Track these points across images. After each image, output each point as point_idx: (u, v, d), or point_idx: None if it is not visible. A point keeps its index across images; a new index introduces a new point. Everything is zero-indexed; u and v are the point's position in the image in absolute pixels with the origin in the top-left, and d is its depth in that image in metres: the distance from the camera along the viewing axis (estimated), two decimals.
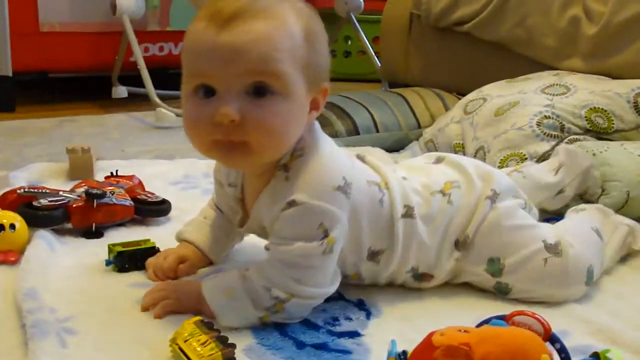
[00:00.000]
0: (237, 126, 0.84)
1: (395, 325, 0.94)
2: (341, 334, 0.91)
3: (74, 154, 1.55)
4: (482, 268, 1.01)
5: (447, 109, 1.97)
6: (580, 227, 1.09)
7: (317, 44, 0.89)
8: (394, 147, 1.92)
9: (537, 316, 0.76)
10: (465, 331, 0.68)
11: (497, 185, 1.03)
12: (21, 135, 2.07)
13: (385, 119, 1.94)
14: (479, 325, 0.77)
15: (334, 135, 1.86)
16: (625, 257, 1.17)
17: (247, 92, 0.84)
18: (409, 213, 0.97)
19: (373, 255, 0.97)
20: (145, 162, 1.73)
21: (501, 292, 1.02)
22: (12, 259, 1.09)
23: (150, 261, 1.06)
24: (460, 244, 1.01)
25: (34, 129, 2.16)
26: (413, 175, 1.02)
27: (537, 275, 1.00)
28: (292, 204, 0.87)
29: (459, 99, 1.93)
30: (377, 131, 1.93)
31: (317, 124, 0.94)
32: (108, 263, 1.08)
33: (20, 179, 1.48)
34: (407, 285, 1.03)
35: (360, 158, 1.03)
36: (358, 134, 1.90)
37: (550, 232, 1.03)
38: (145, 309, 0.93)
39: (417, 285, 1.03)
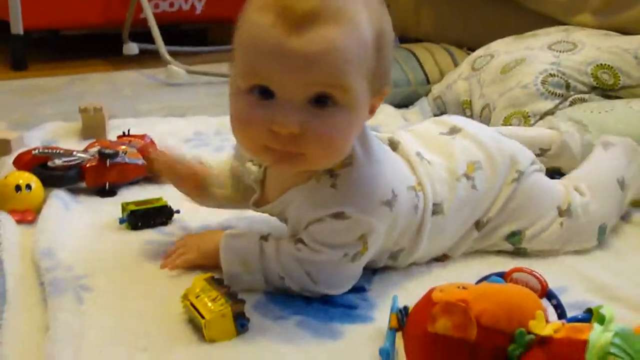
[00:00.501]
0: (296, 138, 0.79)
1: (400, 280, 0.96)
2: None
3: (87, 113, 1.57)
4: (502, 240, 1.03)
5: (456, 64, 1.97)
6: (605, 177, 1.09)
7: (385, 49, 0.84)
8: (403, 103, 1.92)
9: (534, 273, 0.78)
10: (464, 288, 0.71)
11: (520, 165, 1.02)
12: (33, 94, 2.09)
13: (394, 75, 1.94)
14: (478, 282, 0.80)
15: None
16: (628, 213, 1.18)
17: (310, 102, 0.79)
18: (437, 210, 0.96)
19: (394, 254, 0.97)
20: (156, 120, 1.76)
21: (518, 255, 1.04)
22: (29, 218, 1.13)
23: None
24: (480, 225, 1.02)
25: (46, 88, 2.19)
26: (434, 156, 1.00)
27: (554, 238, 1.03)
28: (340, 215, 0.85)
29: (469, 54, 1.93)
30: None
31: (366, 126, 0.89)
32: (121, 221, 1.12)
33: (34, 139, 1.51)
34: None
35: (393, 144, 0.99)
36: None
37: (562, 192, 1.05)
38: (172, 266, 0.95)
39: (427, 267, 1.02)
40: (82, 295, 0.89)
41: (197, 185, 1.04)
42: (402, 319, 0.75)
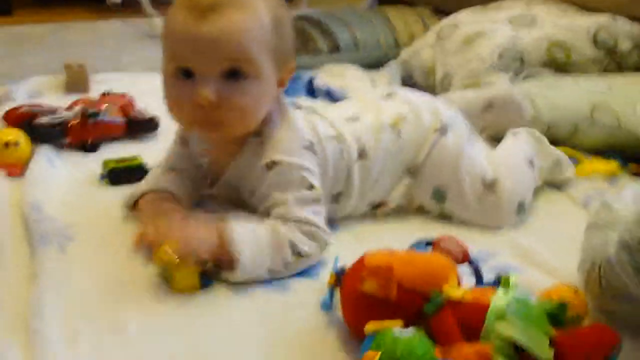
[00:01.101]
0: (214, 107, 0.95)
1: (349, 241, 1.09)
2: None
3: (71, 69, 1.67)
4: (429, 196, 1.16)
5: (427, 28, 2.06)
6: (515, 158, 1.22)
7: (283, 30, 1.00)
8: (373, 65, 2.02)
9: (456, 240, 0.91)
10: (391, 254, 0.84)
11: (444, 117, 1.17)
12: (19, 43, 2.17)
13: (365, 38, 2.04)
14: (410, 247, 0.93)
15: (316, 52, 1.96)
16: (557, 185, 1.31)
17: (223, 76, 0.95)
18: (363, 155, 1.10)
19: (335, 198, 1.11)
20: (138, 76, 1.84)
21: (445, 218, 1.16)
22: (17, 172, 1.24)
23: (143, 204, 1.07)
24: (410, 171, 1.15)
25: (31, 36, 2.26)
26: (364, 113, 1.15)
27: (473, 207, 1.15)
28: (272, 164, 1.00)
29: (439, 20, 2.03)
30: (357, 49, 2.03)
31: (281, 95, 1.06)
32: (102, 177, 1.23)
33: (21, 93, 1.60)
34: (362, 214, 1.16)
35: (313, 111, 1.14)
36: (339, 51, 2.00)
37: (488, 165, 1.17)
38: (164, 261, 0.92)
39: (372, 213, 1.16)
40: (66, 245, 1.01)
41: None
42: (339, 278, 0.88)
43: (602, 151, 1.43)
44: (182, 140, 1.13)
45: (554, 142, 1.42)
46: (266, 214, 1.02)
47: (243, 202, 1.08)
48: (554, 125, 1.42)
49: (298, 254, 0.97)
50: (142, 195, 1.08)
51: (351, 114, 1.15)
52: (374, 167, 1.12)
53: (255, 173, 1.02)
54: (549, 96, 1.45)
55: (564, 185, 1.31)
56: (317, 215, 1.01)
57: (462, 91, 1.42)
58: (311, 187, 1.02)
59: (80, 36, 2.30)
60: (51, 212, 1.09)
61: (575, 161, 1.38)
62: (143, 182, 1.12)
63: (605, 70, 1.66)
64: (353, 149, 1.10)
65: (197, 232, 0.95)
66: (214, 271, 0.94)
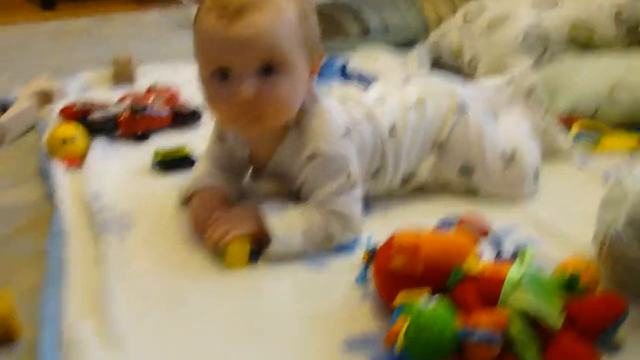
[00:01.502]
0: (252, 103, 1.01)
1: (380, 220, 1.18)
2: None
3: (118, 63, 1.78)
4: (456, 172, 1.25)
5: (454, 10, 2.13)
6: (524, 128, 1.32)
7: (310, 21, 1.06)
8: (402, 49, 2.10)
9: (478, 218, 1.00)
10: (418, 234, 0.93)
11: (459, 98, 1.26)
12: (65, 38, 2.29)
13: (394, 21, 2.12)
14: (435, 227, 1.02)
15: (345, 36, 2.04)
16: (579, 161, 1.38)
17: (258, 72, 1.01)
18: (393, 132, 1.19)
19: (373, 175, 1.20)
20: (179, 67, 1.93)
21: (470, 194, 1.25)
22: (75, 164, 1.35)
23: (197, 203, 1.15)
24: (435, 149, 1.24)
25: (75, 30, 2.38)
26: (388, 95, 1.24)
27: (498, 180, 1.24)
28: (314, 156, 1.08)
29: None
30: (387, 32, 2.11)
31: (314, 85, 1.12)
32: (153, 166, 1.34)
33: (73, 88, 1.73)
34: (397, 191, 1.25)
35: (344, 96, 1.21)
36: (369, 34, 2.08)
37: (506, 139, 1.26)
38: (214, 243, 1.05)
39: (404, 188, 1.25)
40: (125, 232, 1.12)
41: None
42: (372, 255, 0.97)
43: (623, 125, 1.50)
44: (220, 137, 1.19)
45: (576, 118, 1.50)
46: (305, 200, 1.11)
47: (286, 192, 1.16)
48: (575, 108, 1.49)
49: (330, 238, 1.08)
50: (193, 193, 1.16)
51: (378, 95, 1.24)
52: (403, 144, 1.20)
53: (297, 163, 1.09)
54: (569, 81, 1.52)
55: (584, 161, 1.38)
56: (353, 203, 1.11)
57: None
58: (349, 175, 1.10)
59: (122, 29, 2.41)
60: (110, 202, 1.20)
61: (598, 135, 1.45)
62: (191, 178, 1.20)
63: (629, 48, 1.71)
64: (384, 127, 1.18)
65: (239, 215, 1.08)
66: (258, 249, 1.05)
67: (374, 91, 1.27)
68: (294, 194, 1.15)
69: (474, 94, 1.31)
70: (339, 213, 1.09)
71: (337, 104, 1.15)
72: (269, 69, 1.01)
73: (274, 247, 1.05)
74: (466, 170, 1.24)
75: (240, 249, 1.04)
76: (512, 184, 1.24)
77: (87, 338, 0.89)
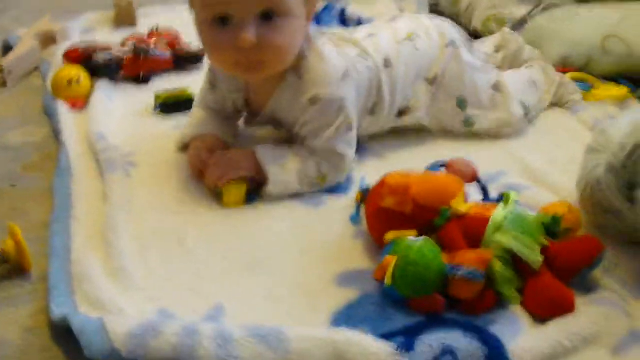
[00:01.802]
0: (255, 48, 1.02)
1: (374, 161, 1.23)
2: None
3: (120, 5, 1.80)
4: (453, 103, 1.29)
5: None
6: (519, 77, 1.39)
7: None
8: None
9: (466, 162, 1.04)
10: (408, 175, 0.98)
11: (449, 35, 1.31)
12: None
13: None
14: (425, 170, 1.06)
15: None
16: (570, 109, 1.42)
17: (259, 18, 1.01)
18: (388, 64, 1.23)
19: (371, 110, 1.23)
20: (181, 10, 1.95)
21: (467, 125, 1.31)
22: (79, 105, 1.39)
23: (192, 152, 1.17)
24: (431, 81, 1.28)
25: None
26: (379, 31, 1.27)
27: (488, 109, 1.30)
28: (315, 99, 1.10)
29: None
30: None
31: (310, 29, 1.13)
32: (155, 108, 1.38)
33: (75, 30, 1.75)
34: (392, 126, 1.29)
35: (335, 36, 1.24)
36: None
37: (494, 74, 1.33)
38: (213, 183, 1.10)
39: (400, 122, 1.28)
40: (130, 170, 1.17)
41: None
42: (364, 195, 1.02)
43: (615, 78, 1.53)
44: (213, 84, 1.22)
45: (568, 69, 1.53)
46: (302, 140, 1.15)
47: (281, 137, 1.21)
48: (567, 57, 1.53)
49: (323, 177, 1.12)
50: (191, 139, 1.19)
51: (369, 32, 1.27)
52: (398, 75, 1.23)
53: (298, 107, 1.11)
54: (563, 30, 1.55)
55: (576, 109, 1.41)
56: (347, 144, 1.15)
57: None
58: (347, 116, 1.14)
59: None
60: (114, 142, 1.24)
61: (589, 86, 1.49)
62: (185, 126, 1.24)
63: None
64: (378, 60, 1.21)
65: (236, 157, 1.11)
66: (256, 189, 1.10)
67: (363, 29, 1.31)
68: (289, 138, 1.19)
69: (456, 30, 1.36)
70: (332, 153, 1.13)
71: (332, 46, 1.17)
72: (269, 15, 1.02)
73: (270, 188, 1.10)
74: (462, 103, 1.29)
75: (237, 190, 1.09)
76: (501, 113, 1.31)
77: (94, 270, 0.94)
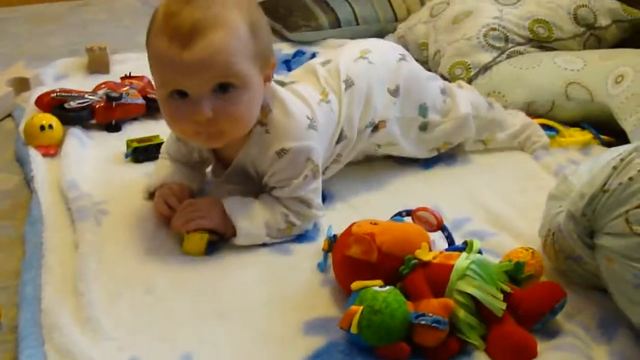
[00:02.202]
0: (212, 121, 1.04)
1: (342, 210, 1.25)
2: None
3: (93, 52, 1.82)
4: (416, 112, 1.35)
5: (422, 3, 2.19)
6: (473, 93, 1.49)
7: (261, 32, 1.07)
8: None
9: (432, 211, 1.07)
10: (375, 224, 1.00)
11: (399, 49, 1.40)
12: (40, 22, 2.31)
13: (365, 12, 2.17)
14: (391, 218, 1.09)
15: (318, 28, 2.10)
16: (534, 155, 1.46)
17: (214, 91, 1.03)
18: (349, 83, 1.26)
19: (339, 139, 1.25)
20: None
21: (423, 130, 1.37)
22: (52, 152, 1.41)
23: (157, 200, 1.19)
24: (393, 92, 1.32)
25: (51, 15, 2.40)
26: (334, 57, 1.31)
27: (439, 108, 1.38)
28: (282, 151, 1.12)
29: None
30: (357, 24, 2.16)
31: (273, 84, 1.16)
32: (127, 155, 1.40)
33: (49, 76, 1.76)
34: (368, 152, 1.34)
35: (294, 82, 1.26)
36: (340, 27, 2.14)
37: (440, 81, 1.44)
38: (178, 229, 1.11)
39: (374, 138, 1.31)
40: (101, 219, 1.18)
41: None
42: (332, 244, 1.04)
43: (578, 123, 1.58)
44: (179, 138, 1.22)
45: (534, 116, 1.58)
46: (270, 190, 1.17)
47: (249, 184, 1.21)
48: (532, 102, 1.58)
49: (290, 223, 1.14)
50: (157, 188, 1.21)
51: (324, 59, 1.32)
52: (360, 90, 1.27)
53: (266, 159, 1.13)
54: (527, 76, 1.60)
55: (539, 155, 1.45)
56: (314, 192, 1.17)
57: None
58: (313, 165, 1.16)
59: (98, 15, 2.44)
60: (86, 189, 1.26)
61: (555, 131, 1.53)
62: (152, 174, 1.26)
63: (586, 44, 1.79)
64: (336, 90, 1.24)
65: (203, 207, 1.13)
66: (218, 239, 1.12)
67: (318, 59, 1.35)
68: (256, 188, 1.20)
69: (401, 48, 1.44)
70: (300, 201, 1.15)
71: (295, 97, 1.19)
72: (225, 87, 1.04)
73: (239, 240, 1.11)
74: (423, 110, 1.35)
75: (199, 239, 1.10)
76: (454, 112, 1.38)
77: (64, 320, 0.95)
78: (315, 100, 1.21)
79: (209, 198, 1.18)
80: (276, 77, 1.22)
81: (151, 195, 1.22)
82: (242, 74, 1.05)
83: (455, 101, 1.40)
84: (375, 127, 1.30)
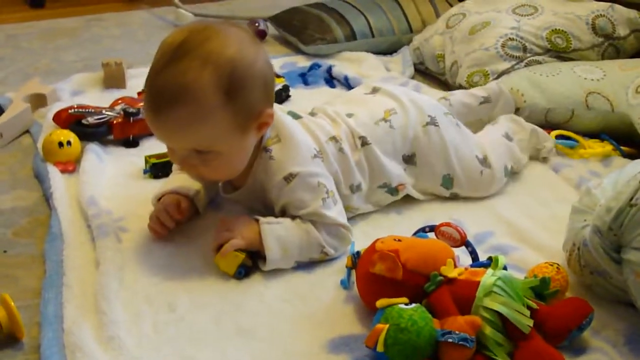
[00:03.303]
0: (199, 172, 1.10)
1: (363, 226, 1.24)
2: None
3: (109, 67, 1.82)
4: (439, 183, 1.30)
5: (437, 14, 2.18)
6: (493, 135, 1.41)
7: (244, 90, 1.04)
8: (388, 51, 2.15)
9: (455, 226, 1.06)
10: (399, 240, 0.99)
11: (428, 110, 1.31)
12: (54, 37, 2.32)
13: (380, 25, 2.17)
14: (415, 233, 1.08)
15: (333, 41, 2.10)
16: (554, 167, 1.45)
17: (192, 151, 1.07)
18: (365, 142, 1.24)
19: (356, 188, 1.23)
20: None
21: (456, 201, 1.31)
22: (70, 168, 1.40)
23: (151, 215, 1.18)
24: (407, 159, 1.28)
25: (64, 30, 2.40)
26: (357, 110, 1.28)
27: (475, 183, 1.32)
28: (290, 176, 1.11)
29: (450, 5, 2.15)
30: (373, 36, 2.15)
31: (280, 113, 1.15)
32: (145, 172, 1.39)
33: (65, 92, 1.76)
34: (388, 202, 1.29)
35: (312, 113, 1.28)
36: (355, 39, 2.13)
37: (476, 145, 1.33)
38: (216, 249, 1.09)
39: (396, 196, 1.29)
40: (121, 236, 1.18)
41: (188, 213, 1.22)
42: (355, 260, 1.03)
43: (597, 134, 1.57)
44: None
45: (553, 126, 1.57)
46: (295, 216, 1.14)
47: (261, 205, 1.20)
48: (552, 110, 1.57)
49: (324, 254, 1.12)
50: (164, 193, 1.20)
51: (347, 110, 1.28)
52: (377, 151, 1.24)
53: (274, 187, 1.12)
54: (547, 83, 1.59)
55: (559, 167, 1.44)
56: (340, 214, 1.15)
57: (460, 92, 1.58)
58: (328, 191, 1.14)
59: (112, 29, 2.44)
60: (105, 206, 1.25)
61: (575, 143, 1.52)
62: (163, 183, 1.25)
63: (604, 54, 1.78)
64: (351, 142, 1.22)
65: (236, 228, 1.11)
66: (249, 263, 1.10)
67: (343, 106, 1.30)
68: (270, 207, 1.18)
69: (436, 105, 1.36)
70: (332, 223, 1.13)
71: (304, 131, 1.18)
72: (202, 151, 1.07)
73: (267, 267, 1.09)
74: (447, 182, 1.30)
75: (233, 257, 1.08)
76: (488, 183, 1.33)
77: (87, 339, 0.94)
78: (324, 138, 1.20)
79: (244, 217, 1.14)
80: (292, 109, 1.23)
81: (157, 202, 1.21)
82: (215, 143, 1.06)
83: (494, 174, 1.32)
84: (394, 190, 1.28)
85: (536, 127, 1.48)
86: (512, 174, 1.39)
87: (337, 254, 1.14)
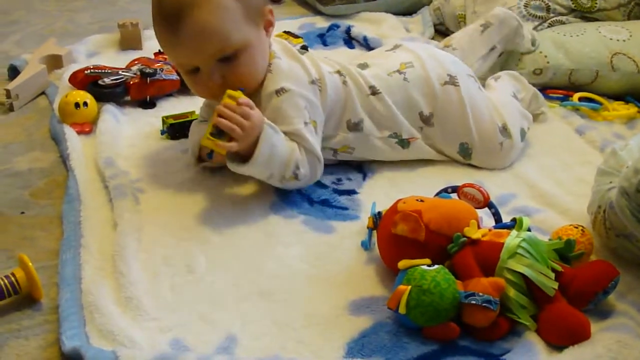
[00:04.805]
0: (224, 85, 1.12)
1: (384, 187, 1.22)
2: (342, 192, 1.20)
3: (125, 28, 1.79)
4: (455, 150, 1.28)
5: None
6: (503, 96, 1.36)
7: None
8: (407, 11, 2.12)
9: (478, 187, 1.03)
10: (421, 200, 0.97)
11: (449, 67, 1.28)
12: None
13: None
14: (436, 194, 1.06)
15: (352, 1, 2.06)
16: (579, 129, 1.41)
17: (219, 60, 1.11)
18: (374, 91, 1.23)
19: (354, 126, 1.23)
20: None
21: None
22: (87, 129, 1.39)
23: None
24: (423, 118, 1.26)
25: None
26: (373, 62, 1.28)
27: (495, 154, 1.28)
28: (281, 90, 1.15)
29: None
30: None
31: (287, 42, 1.22)
32: (162, 132, 1.38)
33: (81, 53, 1.74)
34: (398, 157, 1.27)
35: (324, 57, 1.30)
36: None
37: (495, 112, 1.29)
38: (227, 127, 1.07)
39: (406, 149, 1.26)
40: (139, 196, 1.17)
41: None
42: (376, 221, 1.02)
43: (622, 96, 1.53)
44: (210, 102, 1.25)
45: (578, 87, 1.53)
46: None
47: None
48: (575, 71, 1.53)
49: (295, 175, 1.14)
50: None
51: (361, 61, 1.29)
52: (388, 100, 1.23)
53: (265, 95, 1.16)
54: (571, 43, 1.55)
55: (582, 129, 1.41)
56: (318, 146, 1.16)
57: (458, 32, 1.56)
58: (310, 118, 1.16)
59: None
60: (123, 167, 1.24)
61: (599, 105, 1.49)
62: (190, 139, 1.26)
63: (630, 14, 1.74)
64: (362, 83, 1.23)
65: (256, 121, 1.09)
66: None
67: (358, 59, 1.32)
68: None
69: (457, 61, 1.34)
70: (313, 152, 1.15)
71: (307, 59, 1.21)
72: (227, 58, 1.11)
73: (242, 169, 1.11)
74: (465, 151, 1.27)
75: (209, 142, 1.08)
76: (507, 153, 1.28)
77: (105, 300, 0.94)
78: (329, 70, 1.22)
79: (258, 116, 1.11)
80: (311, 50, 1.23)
81: (199, 159, 1.24)
82: (237, 40, 1.11)
83: (513, 144, 1.28)
84: (404, 142, 1.26)
85: (536, 90, 1.45)
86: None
87: (304, 182, 1.16)
